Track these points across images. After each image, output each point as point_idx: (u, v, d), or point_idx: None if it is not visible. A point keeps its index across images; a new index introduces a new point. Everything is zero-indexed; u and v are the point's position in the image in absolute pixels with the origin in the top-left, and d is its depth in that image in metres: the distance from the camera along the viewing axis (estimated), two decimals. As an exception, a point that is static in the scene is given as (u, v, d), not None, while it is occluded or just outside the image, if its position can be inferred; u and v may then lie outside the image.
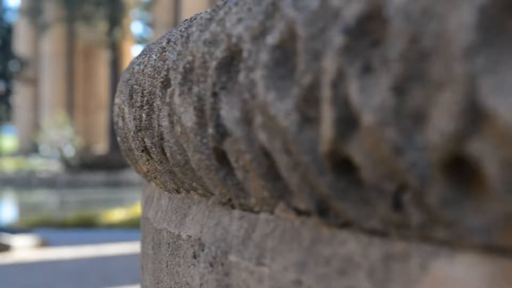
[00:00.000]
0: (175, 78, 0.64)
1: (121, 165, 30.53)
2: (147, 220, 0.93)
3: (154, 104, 0.71)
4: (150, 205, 0.93)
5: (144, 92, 0.74)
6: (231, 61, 0.55)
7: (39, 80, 37.16)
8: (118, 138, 0.97)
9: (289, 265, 0.50)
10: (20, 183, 29.76)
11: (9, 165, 31.26)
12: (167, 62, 0.69)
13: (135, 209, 14.31)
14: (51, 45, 36.16)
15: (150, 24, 33.81)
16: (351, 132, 0.41)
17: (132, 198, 24.74)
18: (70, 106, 37.43)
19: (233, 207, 0.61)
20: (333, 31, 0.41)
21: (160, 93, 0.69)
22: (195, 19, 0.71)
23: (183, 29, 0.70)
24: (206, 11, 0.70)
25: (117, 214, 13.73)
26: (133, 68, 0.86)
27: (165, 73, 0.69)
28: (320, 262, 0.47)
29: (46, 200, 23.71)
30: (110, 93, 33.51)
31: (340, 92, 0.40)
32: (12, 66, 38.03)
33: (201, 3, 32.59)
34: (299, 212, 0.51)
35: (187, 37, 0.65)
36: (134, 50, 43.93)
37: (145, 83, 0.76)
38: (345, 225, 0.46)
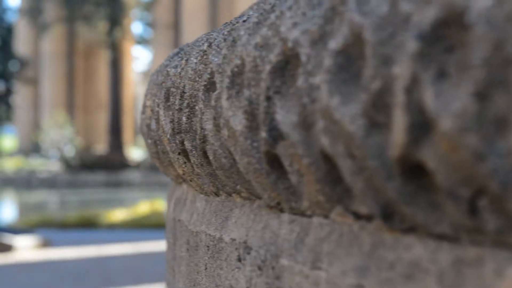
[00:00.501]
0: (222, 82, 0.64)
1: (121, 165, 30.56)
2: (179, 223, 0.93)
3: (196, 107, 0.71)
4: (182, 207, 0.93)
5: (185, 95, 0.74)
6: (286, 65, 0.55)
7: (39, 80, 37.16)
8: (149, 141, 0.97)
9: (348, 269, 0.50)
10: (20, 183, 29.76)
11: (9, 165, 31.25)
12: (210, 65, 0.69)
13: (136, 210, 14.31)
14: (51, 45, 36.15)
15: (150, 24, 33.81)
16: (424, 137, 0.41)
17: (133, 198, 24.75)
18: (70, 106, 37.42)
19: (281, 210, 0.61)
20: (405, 36, 0.41)
21: (203, 96, 0.69)
22: (237, 22, 0.71)
23: (225, 33, 0.70)
24: (247, 14, 0.70)
25: (118, 214, 13.73)
26: (168, 71, 0.86)
27: (208, 76, 0.69)
28: (383, 267, 0.47)
29: (46, 200, 23.71)
30: (110, 93, 33.53)
31: (414, 98, 0.41)
32: (12, 66, 38.03)
33: (202, 4, 32.61)
34: (358, 216, 0.51)
35: (233, 41, 0.65)
36: (134, 50, 44.02)
37: (184, 86, 0.76)
38: (410, 230, 0.46)
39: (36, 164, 31.69)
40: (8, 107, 43.26)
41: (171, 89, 0.82)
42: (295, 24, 0.54)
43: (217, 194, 0.77)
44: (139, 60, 50.67)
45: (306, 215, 0.58)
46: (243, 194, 0.68)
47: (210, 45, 0.72)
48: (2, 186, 28.62)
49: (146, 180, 29.12)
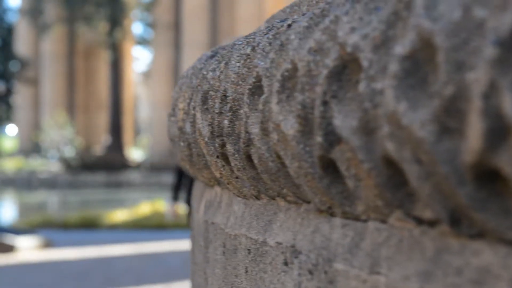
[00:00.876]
0: (270, 86, 0.64)
1: (121, 166, 30.56)
2: (212, 225, 0.93)
3: (240, 111, 0.71)
4: (216, 210, 0.93)
5: (227, 98, 0.74)
6: (343, 70, 0.55)
7: (40, 80, 37.15)
8: (181, 143, 0.97)
9: (410, 274, 0.50)
10: (20, 183, 29.75)
11: (10, 166, 31.24)
12: (256, 69, 0.69)
13: (137, 210, 14.31)
14: (52, 45, 36.15)
15: (150, 25, 33.81)
16: (501, 143, 0.41)
17: (133, 198, 24.74)
18: (70, 107, 37.41)
19: (332, 215, 0.61)
20: (480, 42, 0.41)
21: (248, 100, 0.69)
22: (281, 26, 0.71)
23: (270, 37, 0.70)
24: (292, 19, 0.70)
25: (120, 215, 13.74)
26: (204, 74, 0.86)
27: (253, 80, 0.69)
28: (449, 272, 0.47)
29: (46, 200, 23.69)
30: (111, 93, 33.52)
31: (491, 104, 0.41)
32: (13, 66, 38.02)
33: (202, 4, 32.61)
34: (419, 222, 0.51)
35: (281, 45, 0.65)
36: (134, 51, 44.01)
37: (226, 89, 0.76)
38: (478, 235, 0.46)
39: (36, 164, 31.68)
40: (9, 107, 43.24)
41: (210, 92, 0.82)
42: (353, 29, 0.54)
43: (257, 198, 0.77)
44: (140, 60, 50.67)
45: (361, 220, 0.58)
46: (289, 198, 0.68)
47: (253, 49, 0.72)
48: (2, 187, 28.62)
49: (146, 181, 29.11)
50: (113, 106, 33.39)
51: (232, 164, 0.77)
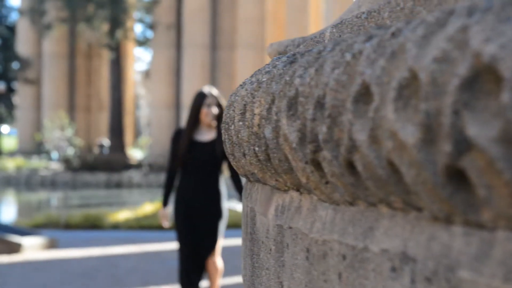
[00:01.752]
0: (383, 94, 0.65)
1: (122, 166, 30.56)
2: (290, 230, 0.93)
3: (342, 117, 0.72)
4: (293, 215, 0.94)
5: (324, 105, 0.75)
6: (475, 79, 0.56)
7: (41, 80, 37.15)
8: (256, 148, 0.97)
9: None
10: (21, 183, 29.75)
11: (11, 165, 31.24)
12: (361, 77, 0.69)
13: (141, 211, 14.32)
14: (53, 45, 36.16)
15: (151, 25, 33.83)
16: None
17: (134, 199, 24.75)
18: (71, 107, 37.42)
19: (450, 222, 0.62)
20: None
21: (352, 107, 0.70)
22: (384, 34, 0.71)
23: (374, 44, 0.70)
24: (396, 27, 0.71)
25: (123, 215, 13.75)
26: (288, 80, 0.86)
27: (358, 87, 0.70)
28: None
29: (48, 200, 23.70)
30: (112, 94, 33.53)
31: None
32: (14, 66, 38.02)
33: (203, 5, 32.62)
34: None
35: (392, 53, 0.65)
36: (136, 51, 44.03)
37: (322, 95, 0.76)
38: None
39: (37, 164, 31.69)
40: (10, 107, 43.23)
41: (299, 98, 0.82)
42: (488, 39, 0.54)
43: (351, 204, 0.78)
44: (140, 61, 50.68)
45: (487, 228, 0.58)
46: (396, 205, 0.68)
47: (354, 56, 0.72)
48: (3, 187, 28.62)
49: (147, 181, 29.12)
50: (115, 107, 33.40)
51: (326, 170, 0.77)
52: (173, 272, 8.03)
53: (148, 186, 28.61)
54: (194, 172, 4.82)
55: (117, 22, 31.44)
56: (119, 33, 32.03)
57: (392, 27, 0.71)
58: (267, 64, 1.11)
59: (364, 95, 0.69)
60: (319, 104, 0.77)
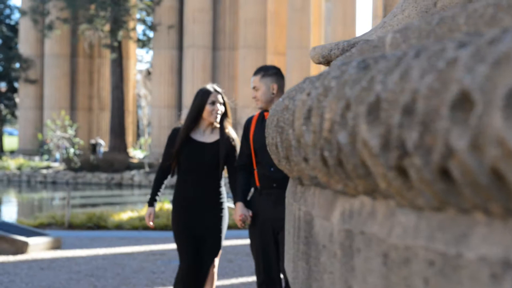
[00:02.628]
0: (488, 101, 0.65)
1: (123, 166, 30.56)
2: (361, 235, 0.94)
3: (436, 124, 0.72)
4: (366, 220, 0.94)
5: (415, 111, 0.75)
6: None
7: (42, 80, 37.16)
8: (326, 153, 0.98)
9: None
10: (23, 183, 29.75)
11: (12, 165, 31.23)
12: (459, 84, 0.70)
13: (144, 210, 14.31)
14: (55, 45, 36.16)
15: (153, 26, 33.84)
16: None
17: (135, 199, 24.73)
18: (73, 106, 37.43)
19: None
20: None
21: (449, 114, 0.70)
22: (479, 41, 0.71)
23: (471, 52, 0.70)
24: (498, 35, 0.71)
25: (126, 215, 13.75)
26: (366, 86, 0.87)
27: (454, 95, 0.70)
28: None
29: (50, 200, 23.70)
30: (113, 94, 33.53)
31: None
32: (16, 66, 38.03)
33: (204, 5, 32.63)
34: None
35: (495, 62, 0.66)
36: (137, 52, 44.03)
37: (412, 102, 0.76)
38: None
39: (39, 164, 31.68)
40: (12, 107, 43.21)
41: (382, 104, 0.82)
42: None
43: (438, 210, 0.78)
44: (141, 61, 50.69)
45: None
46: (495, 211, 0.69)
47: (448, 64, 0.73)
48: (5, 186, 28.62)
49: (147, 181, 29.13)
50: (116, 107, 33.41)
51: (413, 176, 0.78)
52: (180, 272, 8.03)
53: (149, 186, 28.64)
54: (195, 174, 4.55)
55: (118, 22, 31.45)
56: (120, 34, 32.03)
57: (487, 34, 0.71)
58: (329, 70, 1.11)
59: (462, 102, 0.70)
60: (407, 111, 0.77)
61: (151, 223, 4.71)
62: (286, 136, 1.19)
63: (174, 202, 4.67)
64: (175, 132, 4.66)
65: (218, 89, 4.64)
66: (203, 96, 4.54)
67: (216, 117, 4.55)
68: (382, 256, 0.87)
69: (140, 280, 7.68)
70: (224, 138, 4.61)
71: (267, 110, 4.28)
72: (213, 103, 4.53)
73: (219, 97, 4.58)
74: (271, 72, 4.29)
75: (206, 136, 4.59)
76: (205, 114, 4.52)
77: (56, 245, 9.97)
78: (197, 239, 4.48)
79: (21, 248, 9.28)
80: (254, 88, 4.31)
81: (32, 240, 9.49)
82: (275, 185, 4.12)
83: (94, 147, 32.79)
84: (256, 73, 4.33)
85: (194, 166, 4.53)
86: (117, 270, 8.24)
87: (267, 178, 4.19)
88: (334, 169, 0.97)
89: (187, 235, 4.44)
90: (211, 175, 4.58)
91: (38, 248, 9.58)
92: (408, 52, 0.83)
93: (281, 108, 1.28)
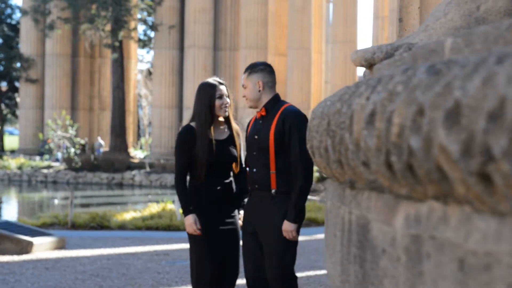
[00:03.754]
0: None
1: (124, 166, 30.55)
2: (432, 240, 0.94)
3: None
4: (438, 224, 0.94)
5: (503, 118, 0.75)
6: None
7: (43, 80, 37.14)
8: (394, 158, 0.98)
9: None
10: (24, 182, 29.73)
11: (13, 165, 31.21)
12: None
13: (147, 211, 14.31)
14: (56, 45, 36.15)
15: (154, 26, 33.83)
16: None
17: (136, 198, 24.73)
18: (73, 106, 37.42)
19: None
20: None
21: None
22: None
23: None
24: None
25: (129, 215, 13.74)
26: (441, 90, 0.87)
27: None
28: None
29: (52, 200, 23.67)
30: (114, 94, 33.51)
31: None
32: (17, 65, 38.01)
33: (205, 6, 32.63)
34: None
35: None
36: (138, 52, 44.01)
37: (498, 108, 0.76)
38: None
39: (40, 163, 31.66)
40: (12, 106, 43.18)
41: (462, 109, 0.82)
42: None
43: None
44: (142, 61, 50.67)
45: None
46: None
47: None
48: (5, 186, 28.60)
49: (148, 181, 29.13)
50: (117, 107, 33.41)
51: (499, 182, 0.78)
52: (184, 272, 8.02)
53: (149, 186, 28.64)
54: (216, 175, 4.29)
55: (120, 22, 31.45)
56: (121, 33, 32.03)
57: None
58: (388, 74, 1.11)
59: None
60: (493, 117, 0.77)
61: (198, 231, 4.23)
62: (340, 140, 1.19)
63: (195, 203, 4.33)
64: (189, 131, 4.30)
65: (222, 81, 4.41)
66: (210, 91, 4.30)
67: (226, 111, 4.32)
68: (458, 262, 0.87)
69: (146, 280, 7.68)
70: (234, 133, 4.44)
71: (258, 109, 4.16)
72: (221, 96, 4.30)
73: (224, 89, 4.35)
74: (257, 69, 4.16)
75: (218, 132, 4.38)
76: (216, 109, 4.28)
77: (60, 245, 9.96)
78: (221, 240, 4.26)
79: (26, 248, 9.26)
80: (243, 86, 4.19)
81: (36, 240, 9.47)
82: (257, 187, 4.09)
83: (83, 147, 32.69)
84: (244, 71, 4.23)
85: (216, 167, 4.29)
86: (122, 270, 8.23)
87: (250, 180, 4.16)
88: (402, 173, 0.97)
89: (213, 237, 4.24)
90: (228, 174, 4.39)
91: (43, 248, 9.57)
92: (488, 58, 0.83)
93: (332, 111, 1.27)
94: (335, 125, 1.24)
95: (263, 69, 4.18)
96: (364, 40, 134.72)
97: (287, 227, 3.90)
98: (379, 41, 30.61)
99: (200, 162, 4.23)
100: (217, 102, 4.30)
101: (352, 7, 32.41)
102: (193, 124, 4.37)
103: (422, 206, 1.00)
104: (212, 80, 4.40)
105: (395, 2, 26.75)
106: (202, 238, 4.27)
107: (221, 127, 4.42)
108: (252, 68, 4.21)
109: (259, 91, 4.14)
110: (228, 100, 4.34)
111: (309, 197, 19.70)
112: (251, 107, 4.31)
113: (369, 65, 1.57)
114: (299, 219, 3.93)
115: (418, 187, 0.95)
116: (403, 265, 1.02)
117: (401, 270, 1.02)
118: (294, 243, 3.99)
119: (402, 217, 1.04)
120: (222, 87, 4.36)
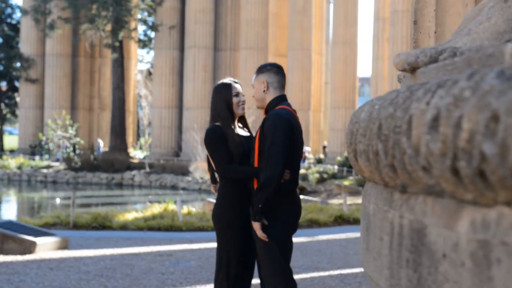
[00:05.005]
0: None
1: (124, 166, 30.53)
2: (504, 245, 0.93)
3: None
4: (509, 230, 0.94)
5: None
6: None
7: (43, 79, 37.10)
8: (463, 163, 0.97)
9: None
10: (23, 182, 29.70)
11: (13, 164, 31.18)
12: None
13: (149, 211, 14.29)
14: (56, 45, 36.11)
15: (154, 26, 33.83)
16: None
17: (136, 199, 24.71)
18: (73, 106, 37.38)
19: None
20: None
21: None
22: None
23: None
24: None
25: (131, 216, 13.73)
26: (500, 97, 0.87)
27: None
28: None
29: (53, 200, 23.65)
30: (114, 94, 33.49)
31: None
32: (17, 65, 37.97)
33: (206, 6, 32.63)
34: None
35: None
36: (138, 52, 43.97)
37: None
38: None
39: (39, 163, 31.63)
40: (12, 106, 43.12)
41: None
42: None
43: None
44: (142, 61, 50.64)
45: None
46: None
47: None
48: (5, 186, 28.57)
49: (147, 182, 29.11)
50: (117, 107, 33.39)
51: None
52: (188, 273, 8.02)
53: (149, 186, 28.62)
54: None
55: (120, 22, 31.43)
56: (122, 34, 32.02)
57: None
58: (450, 79, 1.11)
59: None
60: None
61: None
62: (394, 145, 1.19)
63: (228, 207, 4.21)
64: (218, 129, 4.23)
65: (236, 80, 4.42)
66: (226, 90, 4.29)
67: (243, 108, 4.30)
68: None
69: (150, 281, 7.67)
70: (250, 131, 4.45)
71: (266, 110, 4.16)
72: (237, 94, 4.29)
73: (239, 88, 4.36)
74: (264, 69, 4.19)
75: (239, 131, 4.31)
76: (234, 107, 4.27)
77: (64, 245, 9.94)
78: (246, 246, 4.17)
79: (29, 247, 9.25)
80: (252, 86, 4.23)
81: (39, 240, 9.45)
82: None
83: (74, 147, 32.60)
84: (255, 72, 4.30)
85: (244, 161, 4.19)
86: (126, 271, 8.22)
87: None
88: (471, 179, 0.97)
89: (243, 241, 4.14)
90: None
91: (46, 247, 9.55)
92: None
93: (383, 115, 1.27)
94: (388, 129, 1.23)
95: (269, 69, 4.21)
96: (365, 41, 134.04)
97: (253, 226, 3.92)
98: (380, 43, 30.62)
99: (234, 157, 4.19)
100: (234, 100, 4.30)
101: (352, 8, 32.42)
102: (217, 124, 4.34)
103: (490, 212, 1.00)
104: (226, 80, 4.41)
105: (396, 4, 26.61)
106: (230, 241, 4.20)
107: (239, 124, 4.39)
108: (260, 69, 4.27)
109: (264, 91, 4.17)
110: (244, 98, 4.34)
111: (309, 198, 19.56)
112: (258, 107, 4.36)
113: (412, 69, 1.57)
114: (258, 218, 3.86)
115: (488, 193, 0.95)
116: (468, 270, 1.02)
117: (466, 275, 1.02)
118: (271, 241, 3.90)
119: (467, 222, 1.04)
120: (237, 86, 4.38)
